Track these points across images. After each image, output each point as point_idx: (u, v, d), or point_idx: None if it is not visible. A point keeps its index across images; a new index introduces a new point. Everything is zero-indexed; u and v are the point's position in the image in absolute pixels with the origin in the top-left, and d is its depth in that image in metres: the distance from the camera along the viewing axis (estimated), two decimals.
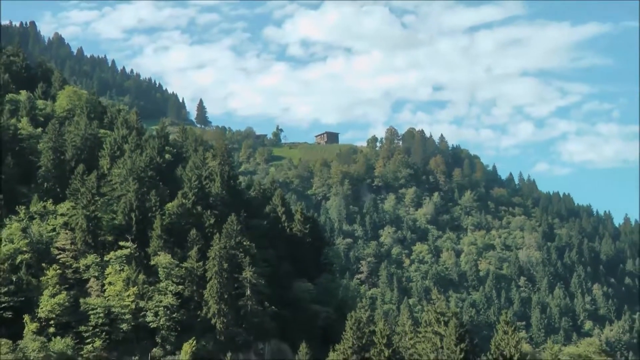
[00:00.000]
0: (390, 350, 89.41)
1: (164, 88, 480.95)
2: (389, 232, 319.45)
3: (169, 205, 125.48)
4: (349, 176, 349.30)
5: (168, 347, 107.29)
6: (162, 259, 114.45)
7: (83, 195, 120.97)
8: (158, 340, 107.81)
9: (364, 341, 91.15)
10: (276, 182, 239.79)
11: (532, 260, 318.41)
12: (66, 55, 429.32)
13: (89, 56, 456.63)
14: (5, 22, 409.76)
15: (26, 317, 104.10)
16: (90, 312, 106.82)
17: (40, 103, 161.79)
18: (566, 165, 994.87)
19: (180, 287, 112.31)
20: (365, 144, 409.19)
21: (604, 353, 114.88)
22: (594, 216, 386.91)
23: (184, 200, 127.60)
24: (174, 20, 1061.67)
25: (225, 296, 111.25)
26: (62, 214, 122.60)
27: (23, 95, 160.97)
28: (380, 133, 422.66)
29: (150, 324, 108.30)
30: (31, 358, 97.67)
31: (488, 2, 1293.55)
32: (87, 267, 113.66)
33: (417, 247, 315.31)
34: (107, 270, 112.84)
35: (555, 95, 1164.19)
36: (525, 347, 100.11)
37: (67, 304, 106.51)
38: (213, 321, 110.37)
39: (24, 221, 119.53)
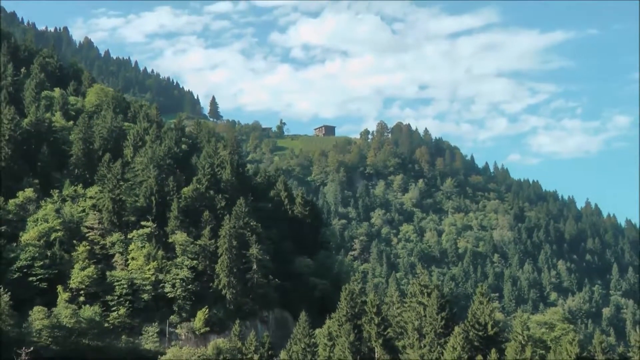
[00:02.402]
0: (379, 318, 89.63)
1: (181, 86, 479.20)
2: (379, 214, 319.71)
3: (185, 189, 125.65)
4: (344, 165, 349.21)
5: (184, 314, 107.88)
6: (179, 237, 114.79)
7: (109, 181, 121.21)
8: (175, 308, 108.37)
9: (356, 310, 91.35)
10: (279, 170, 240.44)
11: (505, 239, 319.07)
12: (95, 57, 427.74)
13: (114, 58, 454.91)
14: (41, 28, 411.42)
15: (59, 288, 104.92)
16: (116, 283, 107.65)
17: (71, 99, 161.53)
18: (535, 155, 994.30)
19: (195, 261, 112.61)
20: (358, 136, 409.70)
21: (566, 320, 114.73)
22: (559, 200, 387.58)
23: (198, 186, 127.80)
24: (190, 26, 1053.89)
25: (235, 270, 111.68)
26: (90, 197, 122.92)
27: (57, 92, 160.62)
28: (372, 127, 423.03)
29: (168, 294, 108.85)
30: (64, 323, 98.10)
31: (467, 12, 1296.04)
32: (113, 243, 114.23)
33: (403, 227, 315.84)
34: (130, 247, 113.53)
35: (526, 94, 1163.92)
36: (498, 315, 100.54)
37: (95, 276, 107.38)
38: (223, 292, 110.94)
39: (58, 203, 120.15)
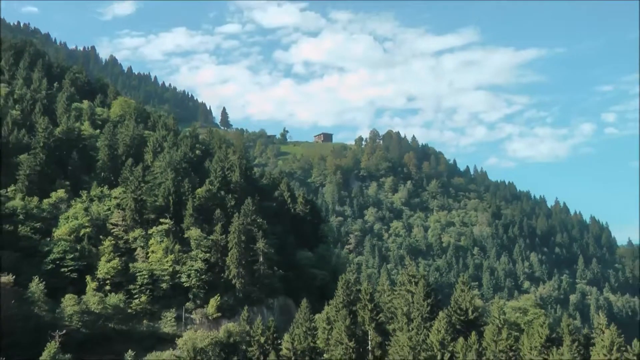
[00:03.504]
0: (372, 305, 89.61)
1: (195, 98, 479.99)
2: (371, 212, 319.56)
3: (199, 190, 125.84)
4: (341, 168, 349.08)
5: (198, 301, 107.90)
6: (193, 233, 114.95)
7: (131, 182, 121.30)
8: (190, 296, 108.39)
9: (352, 297, 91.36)
10: (283, 173, 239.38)
11: (484, 234, 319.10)
12: (119, 73, 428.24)
13: (136, 73, 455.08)
14: (71, 47, 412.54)
15: (88, 278, 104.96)
16: (137, 274, 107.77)
17: (98, 110, 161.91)
18: (511, 159, 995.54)
19: (208, 254, 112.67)
20: (353, 142, 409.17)
21: (538, 306, 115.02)
22: (532, 200, 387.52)
23: (210, 187, 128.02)
24: (203, 45, 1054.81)
25: (243, 262, 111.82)
26: (115, 197, 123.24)
27: (85, 104, 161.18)
28: (365, 134, 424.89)
29: (184, 284, 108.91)
30: (92, 309, 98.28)
31: (450, 32, 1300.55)
32: (135, 238, 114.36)
33: (393, 224, 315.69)
34: (150, 241, 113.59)
35: (502, 104, 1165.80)
36: (477, 302, 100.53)
37: (119, 267, 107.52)
38: (233, 281, 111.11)
39: (86, 202, 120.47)
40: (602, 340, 75.36)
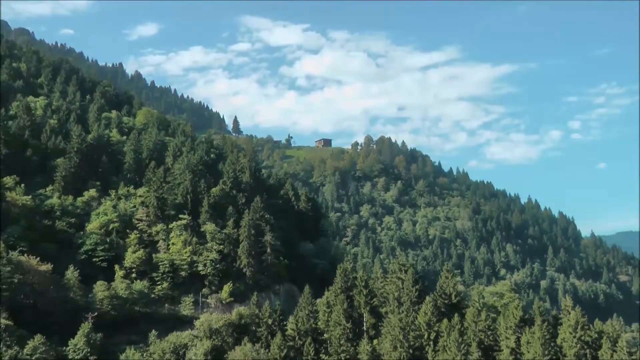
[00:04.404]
0: (367, 290, 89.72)
1: (210, 108, 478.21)
2: (366, 209, 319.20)
3: (213, 189, 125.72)
4: (339, 169, 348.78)
5: (213, 287, 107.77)
6: (209, 227, 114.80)
7: (154, 183, 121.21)
8: (206, 283, 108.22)
9: (348, 284, 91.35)
10: (287, 174, 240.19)
11: (465, 228, 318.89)
12: (143, 86, 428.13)
13: (158, 87, 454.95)
14: (102, 64, 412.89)
15: (116, 267, 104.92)
16: (160, 263, 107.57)
17: (125, 119, 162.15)
18: (489, 162, 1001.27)
19: (221, 246, 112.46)
20: (350, 147, 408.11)
21: (512, 291, 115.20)
22: (507, 197, 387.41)
23: (223, 186, 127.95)
24: (217, 62, 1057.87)
25: (253, 253, 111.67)
26: (140, 196, 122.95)
27: (114, 114, 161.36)
28: (361, 139, 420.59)
29: (200, 272, 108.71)
30: (120, 294, 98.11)
31: (435, 49, 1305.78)
32: (157, 232, 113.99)
33: (386, 218, 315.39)
34: (171, 235, 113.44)
35: (481, 114, 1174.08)
36: (460, 287, 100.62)
37: (143, 257, 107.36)
38: (244, 270, 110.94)
39: (114, 200, 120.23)
40: (568, 320, 75.54)
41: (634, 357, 69.82)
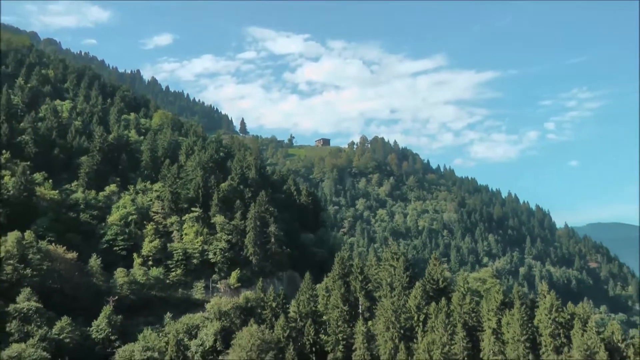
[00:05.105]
0: (362, 276, 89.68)
1: (219, 111, 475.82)
2: (361, 202, 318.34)
3: (223, 185, 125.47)
4: (336, 166, 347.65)
5: (222, 274, 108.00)
6: (218, 219, 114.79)
7: (168, 179, 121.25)
8: (216, 270, 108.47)
9: (345, 271, 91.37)
10: (290, 171, 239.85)
11: (451, 219, 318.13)
12: (158, 91, 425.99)
13: (172, 91, 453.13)
14: (121, 70, 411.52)
15: (134, 255, 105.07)
16: (174, 252, 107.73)
17: (142, 121, 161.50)
18: (473, 160, 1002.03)
19: (230, 236, 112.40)
20: (347, 146, 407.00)
21: (494, 277, 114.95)
22: (490, 192, 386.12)
23: (231, 182, 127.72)
24: (226, 69, 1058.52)
25: (258, 242, 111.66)
26: (155, 190, 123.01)
27: (132, 116, 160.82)
28: (357, 139, 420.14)
29: (211, 260, 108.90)
30: (138, 280, 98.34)
31: (424, 57, 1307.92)
32: (172, 223, 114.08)
33: (379, 211, 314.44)
34: (184, 226, 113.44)
35: (466, 116, 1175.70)
36: (446, 273, 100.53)
37: (159, 246, 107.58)
38: (250, 258, 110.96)
39: (132, 195, 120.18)
40: (544, 303, 75.59)
41: (601, 335, 70.06)
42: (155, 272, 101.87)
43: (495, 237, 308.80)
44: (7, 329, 76.58)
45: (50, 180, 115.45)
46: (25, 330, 77.22)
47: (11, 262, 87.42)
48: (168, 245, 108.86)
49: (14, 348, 71.62)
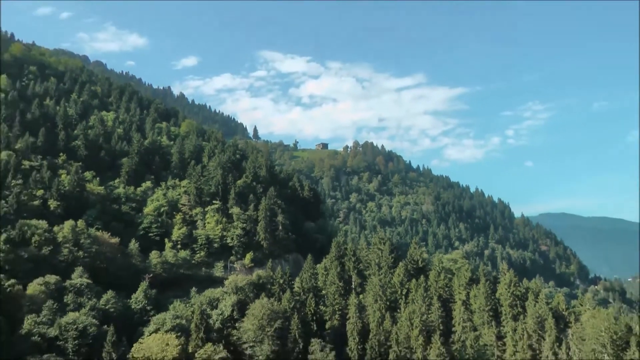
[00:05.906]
0: (355, 258, 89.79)
1: (236, 120, 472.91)
2: (355, 196, 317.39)
3: (239, 182, 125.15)
4: (334, 166, 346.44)
5: (238, 256, 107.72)
6: (235, 210, 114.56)
7: (194, 176, 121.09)
8: (233, 252, 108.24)
9: (341, 253, 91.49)
10: (294, 170, 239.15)
11: (429, 210, 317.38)
12: (185, 104, 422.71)
13: (197, 104, 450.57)
14: (155, 87, 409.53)
15: (166, 240, 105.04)
16: (198, 237, 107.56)
17: (172, 129, 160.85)
18: (447, 161, 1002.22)
19: (244, 224, 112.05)
20: (342, 149, 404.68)
21: (464, 258, 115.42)
22: (460, 187, 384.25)
23: (246, 179, 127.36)
24: (242, 85, 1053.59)
25: (268, 229, 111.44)
26: (183, 186, 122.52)
27: (164, 125, 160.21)
28: (350, 144, 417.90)
29: (229, 244, 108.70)
30: (169, 260, 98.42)
31: (406, 75, 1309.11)
32: (196, 214, 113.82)
33: (369, 204, 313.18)
34: (207, 216, 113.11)
35: (441, 124, 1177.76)
36: (425, 255, 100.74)
37: (186, 233, 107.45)
38: (262, 242, 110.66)
39: (164, 190, 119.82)
40: (504, 279, 75.80)
41: (550, 306, 70.51)
42: (183, 254, 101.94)
43: (465, 225, 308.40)
44: (65, 300, 78.50)
45: (98, 178, 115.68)
46: (79, 301, 78.70)
47: (67, 245, 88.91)
48: (193, 231, 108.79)
49: (70, 316, 73.60)
